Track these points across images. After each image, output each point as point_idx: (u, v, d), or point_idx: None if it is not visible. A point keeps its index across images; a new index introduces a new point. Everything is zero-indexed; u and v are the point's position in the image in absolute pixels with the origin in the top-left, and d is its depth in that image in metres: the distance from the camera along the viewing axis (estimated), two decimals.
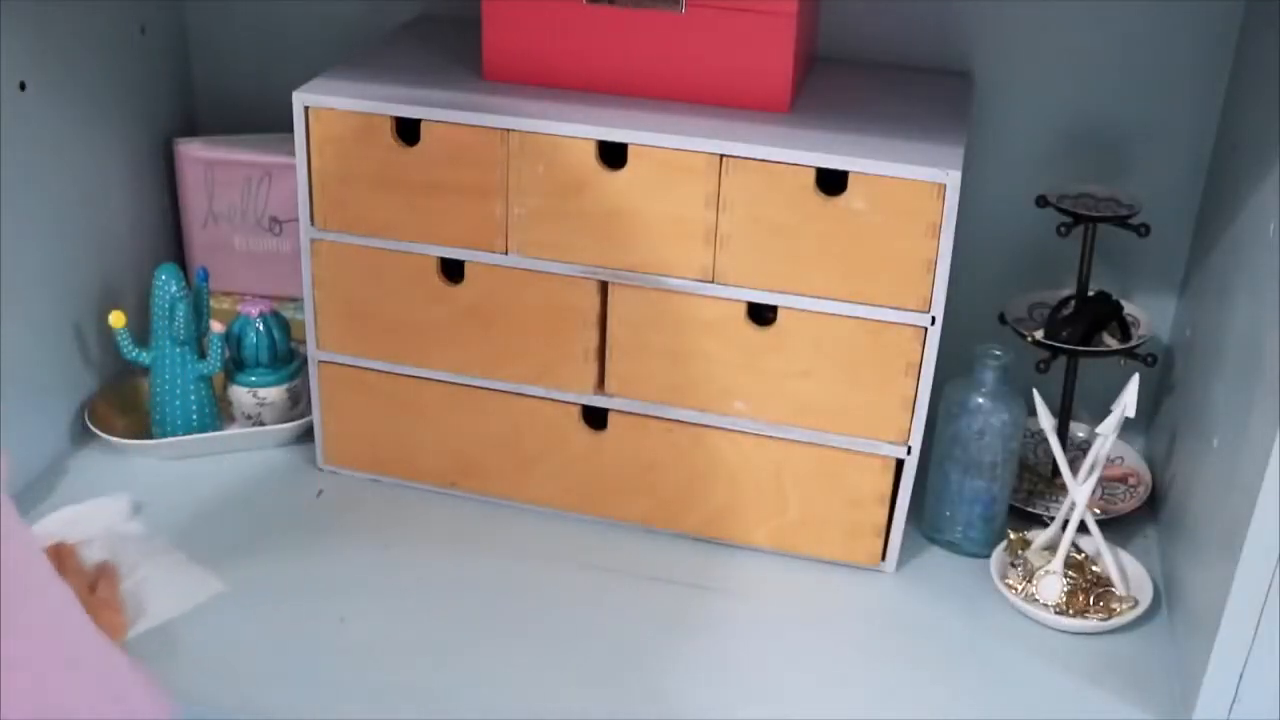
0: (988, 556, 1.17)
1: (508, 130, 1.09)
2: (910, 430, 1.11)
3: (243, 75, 1.46)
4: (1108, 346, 1.21)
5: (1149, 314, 1.26)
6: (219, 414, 1.31)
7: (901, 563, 1.18)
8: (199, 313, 1.28)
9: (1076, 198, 1.21)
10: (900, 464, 1.12)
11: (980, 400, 1.14)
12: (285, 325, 1.33)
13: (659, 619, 1.11)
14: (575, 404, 1.18)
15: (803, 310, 1.09)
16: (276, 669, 1.04)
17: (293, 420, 1.31)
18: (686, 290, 1.11)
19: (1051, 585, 1.12)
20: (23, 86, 1.17)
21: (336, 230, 1.17)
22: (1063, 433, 1.24)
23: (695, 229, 1.08)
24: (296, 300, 1.36)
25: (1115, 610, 1.11)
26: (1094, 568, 1.15)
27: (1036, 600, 1.12)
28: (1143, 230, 1.18)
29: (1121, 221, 1.19)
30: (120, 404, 1.32)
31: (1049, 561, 1.14)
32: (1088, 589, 1.13)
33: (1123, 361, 1.21)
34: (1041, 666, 1.07)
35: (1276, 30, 1.05)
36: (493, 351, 1.18)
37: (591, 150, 1.08)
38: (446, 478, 1.24)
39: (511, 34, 1.15)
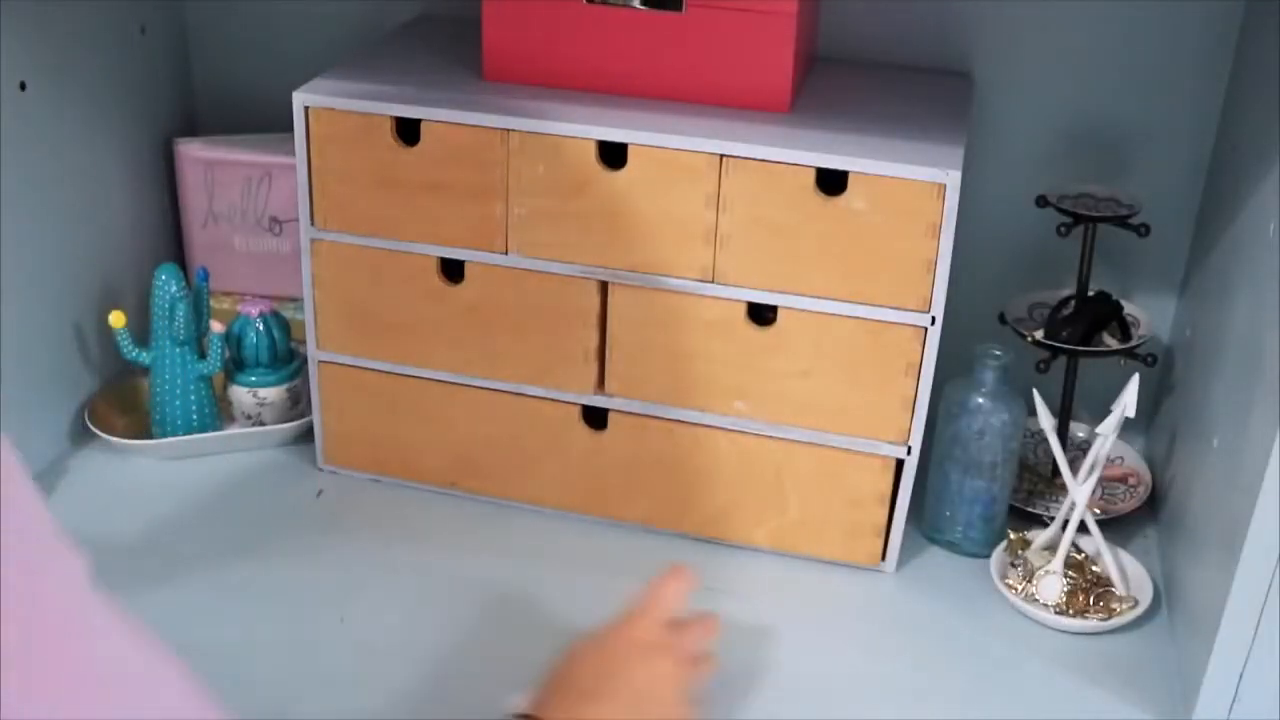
0: (988, 556, 1.17)
1: (508, 130, 1.09)
2: (910, 430, 1.11)
3: (243, 75, 1.45)
4: (1108, 346, 1.21)
5: (1149, 314, 1.26)
6: (219, 414, 1.31)
7: (901, 563, 1.18)
8: (199, 313, 1.28)
9: (1076, 198, 1.21)
10: (900, 464, 1.12)
11: (980, 400, 1.14)
12: (285, 325, 1.33)
13: None
14: (575, 404, 1.18)
15: (803, 310, 1.09)
16: (276, 669, 1.04)
17: (293, 420, 1.31)
18: (687, 290, 1.11)
19: (1051, 585, 1.12)
20: (23, 86, 1.17)
21: (336, 230, 1.17)
22: (1063, 433, 1.24)
23: (695, 229, 1.08)
24: (296, 300, 1.36)
25: (1115, 610, 1.11)
26: (1094, 568, 1.15)
27: (1036, 600, 1.12)
28: (1143, 230, 1.18)
29: (1121, 221, 1.19)
30: (120, 404, 1.32)
31: (1049, 561, 1.14)
32: (1088, 589, 1.13)
33: (1123, 361, 1.21)
34: (1041, 666, 1.07)
35: (1276, 30, 1.05)
36: (493, 351, 1.17)
37: (592, 150, 1.08)
38: (446, 478, 1.24)
39: (511, 34, 1.15)
